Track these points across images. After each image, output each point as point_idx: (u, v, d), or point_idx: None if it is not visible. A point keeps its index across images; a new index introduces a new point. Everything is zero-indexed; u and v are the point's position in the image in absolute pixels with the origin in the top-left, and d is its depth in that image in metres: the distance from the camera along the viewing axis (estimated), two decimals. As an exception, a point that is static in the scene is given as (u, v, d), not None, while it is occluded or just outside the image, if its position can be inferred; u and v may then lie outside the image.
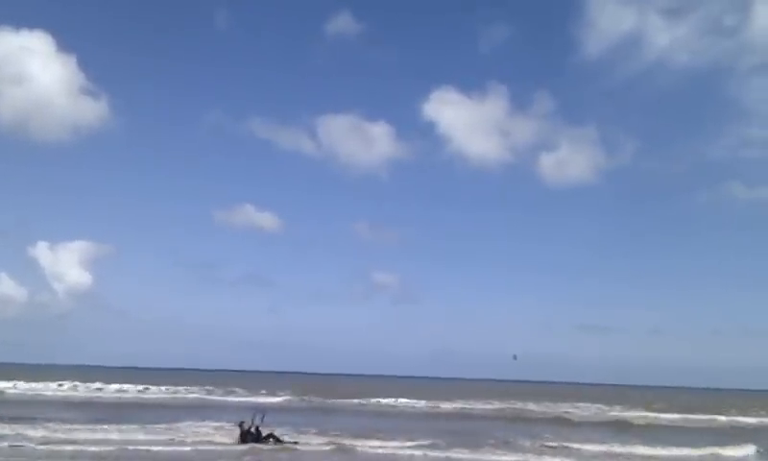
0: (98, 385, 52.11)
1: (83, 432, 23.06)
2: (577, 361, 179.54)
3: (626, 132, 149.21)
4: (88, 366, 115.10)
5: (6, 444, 19.37)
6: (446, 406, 45.43)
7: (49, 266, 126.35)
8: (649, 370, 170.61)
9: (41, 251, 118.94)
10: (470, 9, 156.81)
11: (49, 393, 46.56)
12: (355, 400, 47.12)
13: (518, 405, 47.12)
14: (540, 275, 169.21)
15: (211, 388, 53.12)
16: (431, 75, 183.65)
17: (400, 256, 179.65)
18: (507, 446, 23.22)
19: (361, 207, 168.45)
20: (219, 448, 20.96)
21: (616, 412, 44.42)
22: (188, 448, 20.50)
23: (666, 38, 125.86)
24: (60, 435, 22.12)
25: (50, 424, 24.76)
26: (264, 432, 21.87)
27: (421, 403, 46.49)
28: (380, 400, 47.88)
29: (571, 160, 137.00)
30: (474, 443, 23.28)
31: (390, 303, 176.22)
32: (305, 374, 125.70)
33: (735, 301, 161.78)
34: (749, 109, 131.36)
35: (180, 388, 52.22)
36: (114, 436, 22.25)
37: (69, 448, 19.28)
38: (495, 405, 46.74)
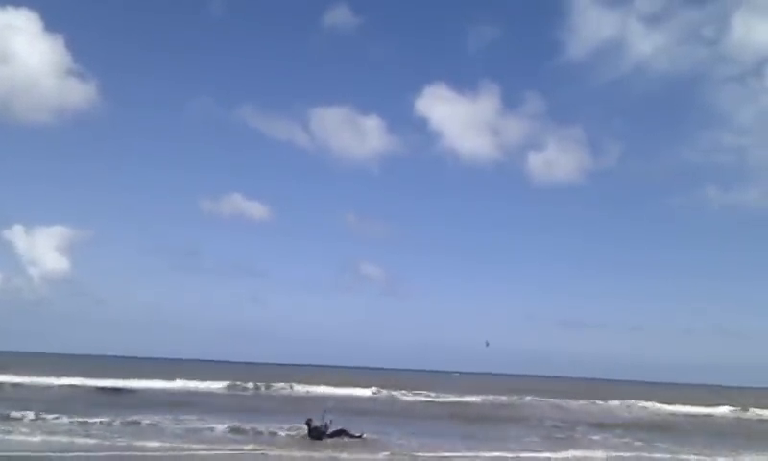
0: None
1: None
2: (558, 356, 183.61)
3: (610, 134, 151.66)
4: (62, 355, 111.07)
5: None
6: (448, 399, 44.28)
7: (25, 251, 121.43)
8: (627, 365, 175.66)
9: (17, 234, 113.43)
10: (462, 8, 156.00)
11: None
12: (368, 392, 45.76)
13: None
14: (525, 272, 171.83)
15: (199, 380, 47.37)
16: (424, 71, 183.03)
17: (388, 249, 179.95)
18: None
19: (350, 199, 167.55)
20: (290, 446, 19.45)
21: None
22: (250, 446, 18.64)
23: (647, 45, 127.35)
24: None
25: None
26: (331, 429, 20.61)
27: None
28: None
29: (559, 161, 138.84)
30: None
31: (376, 295, 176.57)
32: (290, 365, 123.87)
33: (709, 301, 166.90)
34: (723, 116, 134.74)
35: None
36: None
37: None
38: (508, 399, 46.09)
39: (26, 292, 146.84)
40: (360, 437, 20.57)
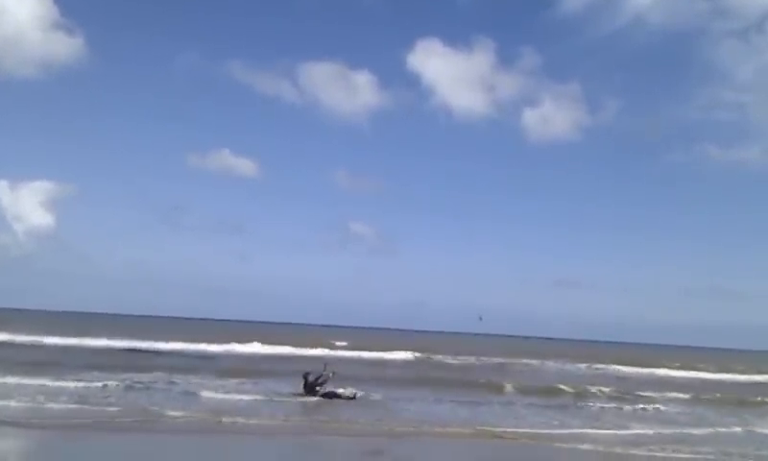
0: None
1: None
2: (553, 317, 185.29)
3: (608, 89, 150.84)
4: (48, 311, 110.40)
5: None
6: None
7: (9, 206, 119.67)
8: (621, 327, 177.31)
9: (2, 190, 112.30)
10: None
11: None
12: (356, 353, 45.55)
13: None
14: (519, 230, 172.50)
15: (190, 340, 47.64)
16: (417, 25, 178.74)
17: (378, 207, 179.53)
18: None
19: (341, 156, 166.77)
20: (286, 399, 19.59)
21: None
22: (248, 398, 18.97)
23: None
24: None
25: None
26: (326, 389, 20.39)
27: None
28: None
29: (554, 117, 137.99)
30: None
31: (366, 254, 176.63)
32: (275, 323, 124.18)
33: (707, 261, 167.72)
34: (723, 72, 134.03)
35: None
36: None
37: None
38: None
39: (11, 248, 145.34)
40: (353, 398, 20.29)
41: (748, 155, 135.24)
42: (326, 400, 19.71)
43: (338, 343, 52.03)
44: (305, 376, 20.60)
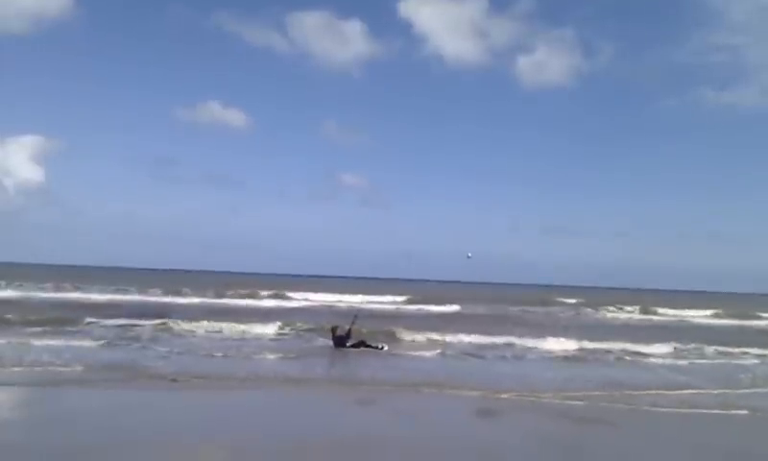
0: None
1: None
2: (544, 264, 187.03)
3: (602, 34, 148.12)
4: (39, 265, 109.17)
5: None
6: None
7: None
8: (617, 272, 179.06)
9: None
10: None
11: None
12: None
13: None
14: (511, 178, 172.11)
15: (188, 290, 46.30)
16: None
17: (369, 158, 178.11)
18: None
19: (331, 107, 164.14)
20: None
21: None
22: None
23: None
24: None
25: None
26: (353, 340, 19.84)
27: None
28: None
29: (549, 63, 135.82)
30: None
31: (356, 205, 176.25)
32: (264, 274, 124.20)
33: (702, 205, 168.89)
34: (716, 14, 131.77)
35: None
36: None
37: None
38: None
39: (1, 203, 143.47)
40: (381, 348, 20.00)
41: (743, 96, 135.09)
42: (355, 349, 19.21)
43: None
44: (333, 330, 19.96)
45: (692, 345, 23.38)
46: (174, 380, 12.85)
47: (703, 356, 21.12)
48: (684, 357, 20.61)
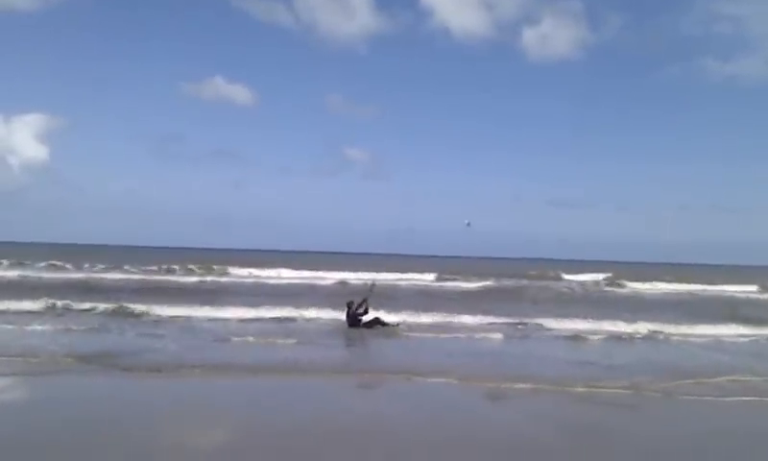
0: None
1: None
2: (547, 237, 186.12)
3: (610, 4, 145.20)
4: (42, 243, 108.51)
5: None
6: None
7: (3, 139, 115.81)
8: (616, 245, 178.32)
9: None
10: None
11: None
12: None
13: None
14: (514, 150, 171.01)
15: (193, 268, 45.30)
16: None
17: (374, 132, 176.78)
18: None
19: (336, 81, 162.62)
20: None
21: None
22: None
23: None
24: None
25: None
26: (369, 316, 18.77)
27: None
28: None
29: (555, 35, 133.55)
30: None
31: (360, 179, 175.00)
32: (269, 251, 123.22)
33: (705, 177, 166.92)
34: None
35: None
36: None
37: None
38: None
39: (6, 182, 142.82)
40: (397, 326, 18.85)
41: (748, 66, 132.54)
42: (368, 329, 18.04)
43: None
44: (349, 305, 18.69)
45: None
46: (158, 371, 11.69)
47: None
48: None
